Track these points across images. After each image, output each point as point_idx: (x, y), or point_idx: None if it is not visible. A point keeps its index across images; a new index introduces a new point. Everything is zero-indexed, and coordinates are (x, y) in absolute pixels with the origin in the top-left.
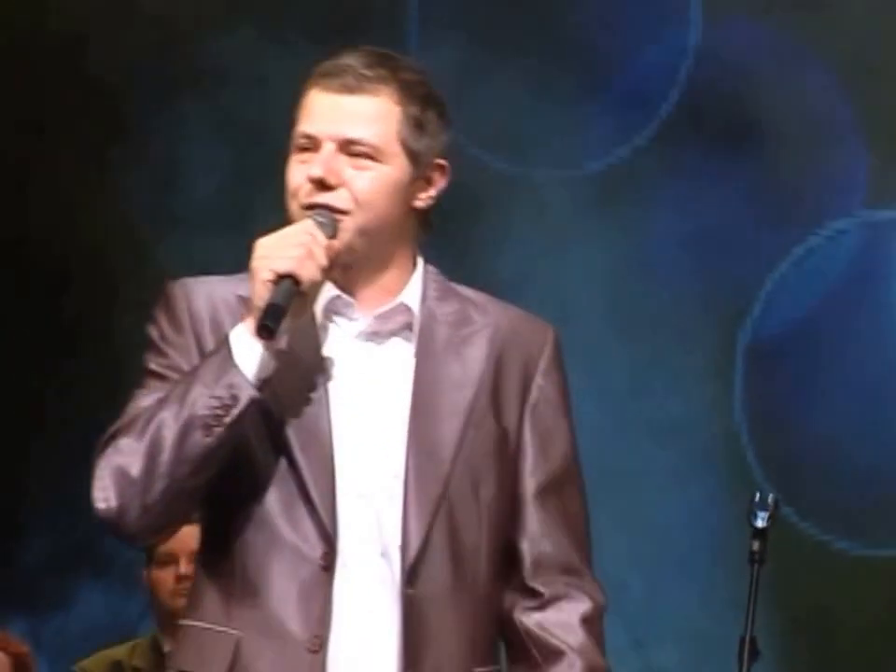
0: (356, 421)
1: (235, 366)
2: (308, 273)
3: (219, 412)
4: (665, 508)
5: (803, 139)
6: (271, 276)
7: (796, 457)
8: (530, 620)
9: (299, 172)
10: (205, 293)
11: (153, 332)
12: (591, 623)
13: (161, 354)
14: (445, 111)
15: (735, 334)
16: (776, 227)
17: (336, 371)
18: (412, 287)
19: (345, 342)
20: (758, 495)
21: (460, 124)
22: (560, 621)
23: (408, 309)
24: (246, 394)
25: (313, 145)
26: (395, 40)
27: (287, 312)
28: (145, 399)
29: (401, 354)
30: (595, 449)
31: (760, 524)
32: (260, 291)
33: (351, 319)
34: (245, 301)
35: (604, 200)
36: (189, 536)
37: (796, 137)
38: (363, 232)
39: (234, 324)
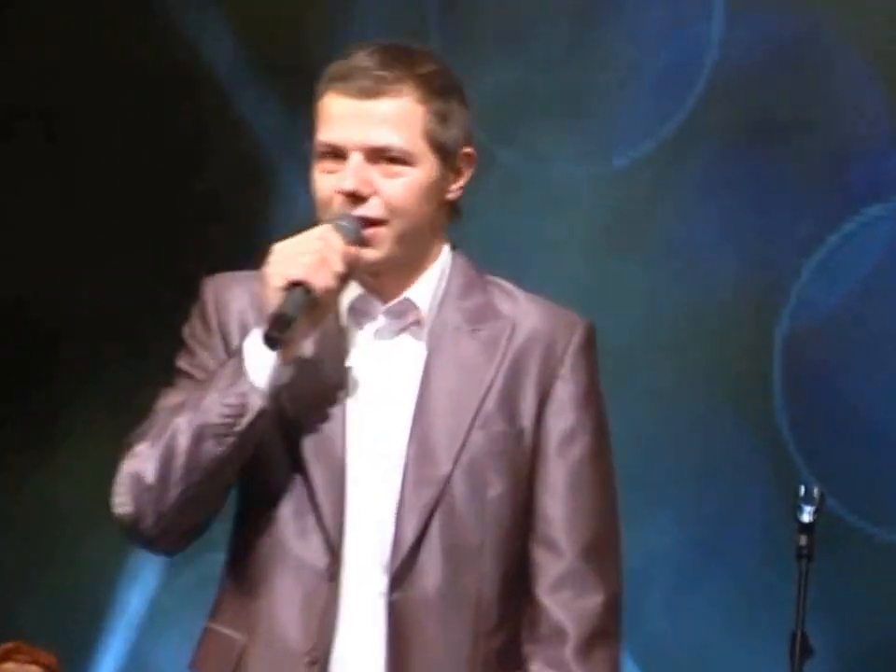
0: (367, 427)
1: (245, 374)
2: (321, 280)
3: (230, 420)
4: (708, 503)
5: (834, 126)
6: (282, 283)
7: (840, 448)
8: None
9: (326, 182)
10: (236, 290)
11: (185, 330)
12: (593, 628)
13: (190, 352)
14: (464, 96)
15: (772, 325)
16: (809, 216)
17: (354, 375)
18: (425, 282)
19: (364, 343)
20: (803, 488)
21: (487, 123)
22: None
23: (415, 306)
24: (256, 404)
25: (338, 153)
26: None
27: (295, 321)
28: (169, 399)
29: (413, 352)
30: (631, 445)
31: (806, 518)
32: (271, 299)
33: (372, 319)
34: None
35: (633, 195)
36: None
37: (827, 125)
38: (401, 240)
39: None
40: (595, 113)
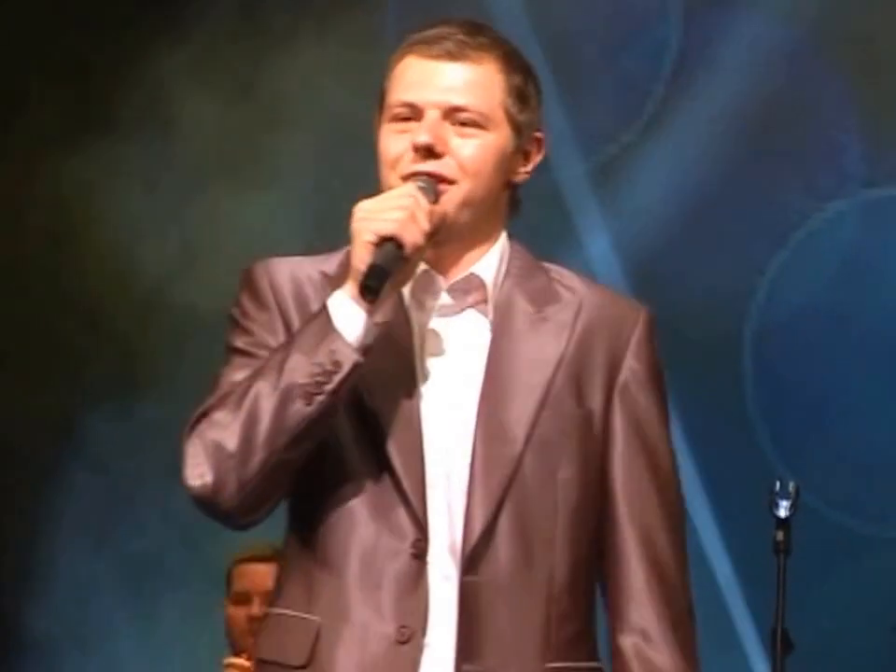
0: (436, 403)
1: (336, 331)
2: (411, 236)
3: (320, 378)
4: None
5: (796, 122)
6: (373, 238)
7: (812, 441)
8: (624, 634)
9: (398, 141)
10: (288, 271)
11: (235, 313)
12: (678, 632)
13: (246, 332)
14: (540, 84)
15: (742, 321)
16: (773, 211)
17: (421, 350)
18: (488, 259)
19: (429, 318)
20: (778, 483)
21: None
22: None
23: (481, 282)
24: (350, 359)
25: (413, 113)
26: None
27: (390, 274)
28: (234, 375)
29: (478, 330)
30: None
31: (783, 513)
32: (362, 254)
33: (435, 295)
34: (330, 279)
35: (599, 195)
36: (265, 575)
37: (790, 121)
38: (467, 204)
39: (320, 301)
40: (560, 117)
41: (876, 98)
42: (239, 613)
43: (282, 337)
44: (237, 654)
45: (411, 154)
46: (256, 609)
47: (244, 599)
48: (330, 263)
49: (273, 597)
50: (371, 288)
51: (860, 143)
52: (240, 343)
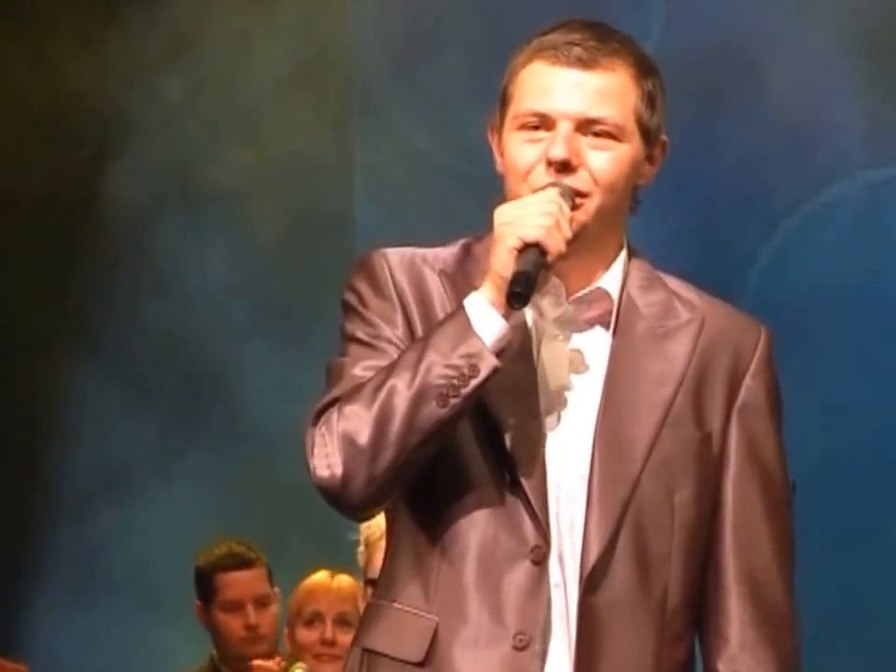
0: (553, 410)
1: (475, 335)
2: (555, 243)
3: (456, 382)
4: None
5: (793, 102)
6: (518, 244)
7: (807, 435)
8: (721, 658)
9: (528, 151)
10: (406, 263)
11: (352, 299)
12: (786, 666)
13: (366, 322)
14: (664, 83)
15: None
16: (769, 197)
17: (540, 359)
18: (613, 272)
19: (549, 326)
20: None
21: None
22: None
23: (607, 295)
24: (489, 365)
25: (543, 122)
26: None
27: (535, 281)
28: (356, 368)
29: (599, 344)
30: None
31: None
32: (506, 259)
33: (555, 303)
34: (447, 276)
35: None
36: (253, 582)
37: (787, 101)
38: (599, 216)
39: (440, 297)
40: None
41: (878, 78)
42: (232, 622)
43: (401, 329)
44: (227, 657)
45: (543, 166)
46: (252, 617)
47: (236, 607)
48: (444, 258)
49: (379, 586)
50: (521, 296)
51: (859, 124)
52: (360, 332)
